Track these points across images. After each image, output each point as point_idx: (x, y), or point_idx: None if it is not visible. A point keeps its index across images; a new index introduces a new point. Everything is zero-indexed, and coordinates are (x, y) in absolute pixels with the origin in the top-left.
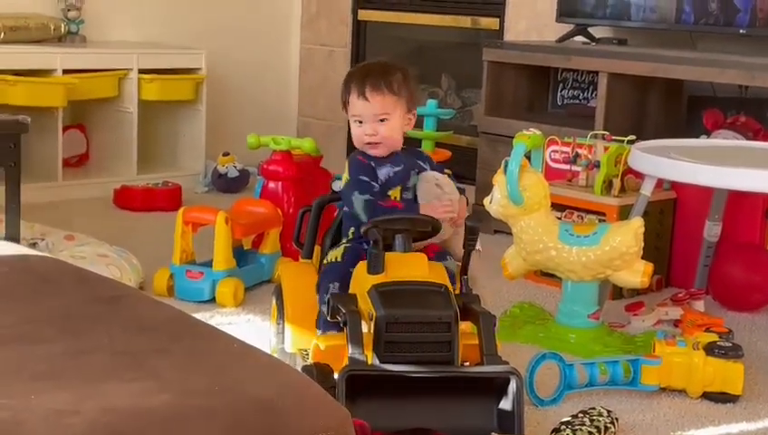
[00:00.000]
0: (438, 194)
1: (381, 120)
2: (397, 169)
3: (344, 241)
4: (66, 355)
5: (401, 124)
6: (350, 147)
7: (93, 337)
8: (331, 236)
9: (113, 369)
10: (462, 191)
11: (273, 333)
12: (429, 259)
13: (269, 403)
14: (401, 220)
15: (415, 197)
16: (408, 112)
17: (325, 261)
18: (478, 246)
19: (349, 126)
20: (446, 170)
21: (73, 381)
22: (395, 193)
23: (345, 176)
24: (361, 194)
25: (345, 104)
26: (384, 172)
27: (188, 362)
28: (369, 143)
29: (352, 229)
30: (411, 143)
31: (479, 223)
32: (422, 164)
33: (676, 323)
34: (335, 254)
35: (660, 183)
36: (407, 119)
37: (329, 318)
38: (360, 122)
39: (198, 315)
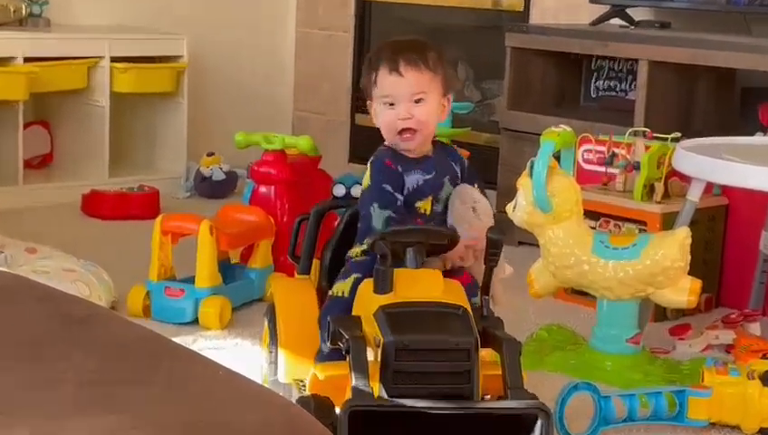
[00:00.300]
0: (470, 220)
1: (417, 102)
2: (427, 176)
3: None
4: (24, 387)
5: (437, 109)
6: (354, 146)
7: (57, 365)
8: (331, 249)
9: (79, 402)
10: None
11: (264, 360)
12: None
13: None
14: (413, 232)
15: (445, 208)
16: (444, 96)
17: (330, 292)
18: (507, 269)
19: (353, 120)
20: (475, 185)
21: (32, 418)
22: (424, 205)
23: (366, 180)
24: (382, 208)
25: (369, 88)
26: (413, 180)
27: (166, 393)
28: (403, 131)
29: (368, 240)
30: None
31: (503, 235)
32: (456, 169)
33: (729, 348)
34: (342, 287)
35: (710, 187)
36: (441, 105)
37: (329, 344)
38: (392, 105)
39: (178, 339)
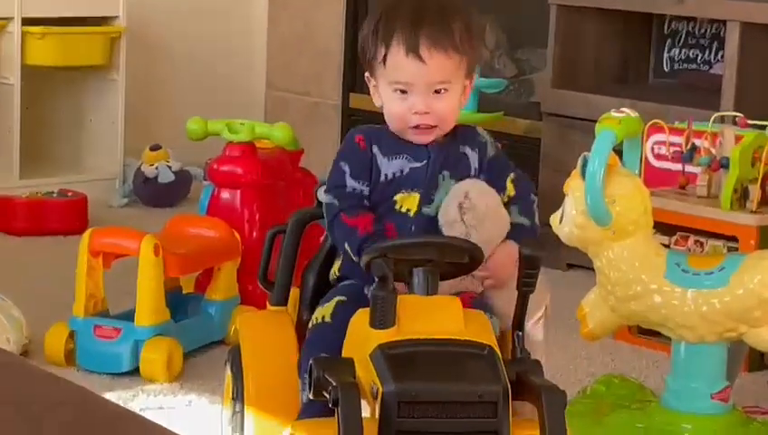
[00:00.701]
0: (453, 220)
1: (437, 92)
2: (416, 164)
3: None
4: None
5: (461, 97)
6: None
7: None
8: (315, 272)
9: None
10: (524, 229)
11: (226, 422)
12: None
13: None
14: (422, 245)
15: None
16: (468, 78)
17: (311, 323)
18: (545, 303)
19: (345, 101)
20: (510, 180)
21: None
22: (407, 201)
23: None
24: (327, 191)
25: (373, 61)
26: (395, 166)
27: None
28: (418, 126)
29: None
30: None
31: (542, 252)
32: (468, 161)
33: None
34: (322, 312)
35: None
36: (463, 86)
37: (310, 395)
38: (404, 92)
39: (112, 396)
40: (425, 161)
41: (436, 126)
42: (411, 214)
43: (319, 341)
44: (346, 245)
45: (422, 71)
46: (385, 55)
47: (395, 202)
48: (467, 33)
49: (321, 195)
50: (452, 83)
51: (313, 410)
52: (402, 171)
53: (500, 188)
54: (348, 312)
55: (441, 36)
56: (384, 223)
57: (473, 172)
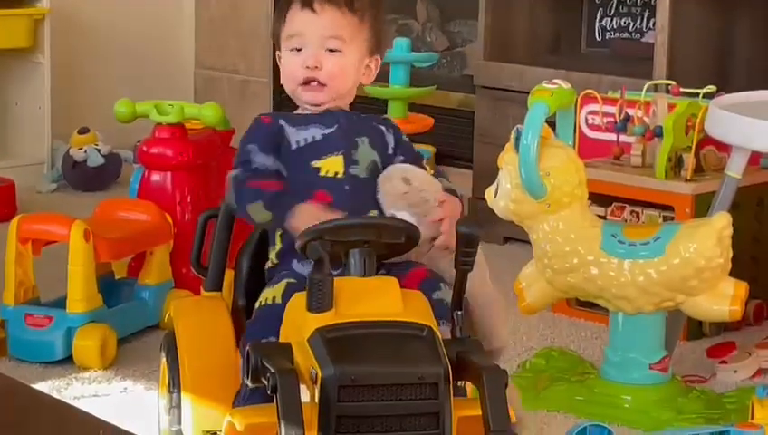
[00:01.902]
0: (401, 192)
1: (331, 51)
2: (327, 130)
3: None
4: None
5: (358, 67)
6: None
7: None
8: (249, 255)
9: None
10: (455, 193)
11: (163, 408)
12: (413, 288)
13: None
14: (359, 227)
15: (371, 175)
16: (370, 55)
17: (258, 304)
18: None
19: (277, 79)
20: (424, 161)
21: None
22: (329, 165)
23: None
24: (234, 168)
25: (277, 31)
26: (306, 134)
27: None
28: (307, 81)
29: (280, 230)
30: (372, 107)
31: (479, 228)
32: (382, 130)
33: None
34: (272, 293)
35: (756, 158)
36: (365, 64)
37: (249, 382)
38: (299, 50)
39: (45, 385)
40: (335, 126)
41: (325, 85)
42: (340, 175)
43: (268, 321)
44: (255, 203)
45: (314, 21)
46: (285, 16)
47: (318, 169)
48: (371, 7)
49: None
50: (346, 44)
51: (252, 397)
52: (314, 138)
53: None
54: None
55: None
56: (313, 193)
57: (390, 151)
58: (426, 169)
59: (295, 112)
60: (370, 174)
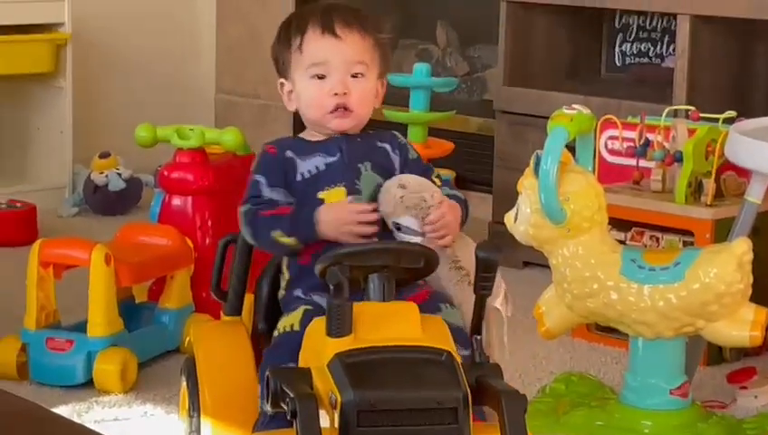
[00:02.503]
0: (398, 197)
1: (354, 76)
2: (330, 159)
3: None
4: None
5: (375, 91)
6: None
7: None
8: (269, 280)
9: None
10: (459, 199)
11: (183, 432)
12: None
13: None
14: (377, 251)
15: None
16: (380, 78)
17: (275, 332)
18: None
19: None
20: (435, 176)
21: None
22: (334, 196)
23: None
24: (244, 203)
25: (287, 60)
26: (310, 165)
27: None
28: (337, 109)
29: (286, 260)
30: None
31: (498, 253)
32: (387, 150)
33: None
34: (290, 320)
35: None
36: (376, 89)
37: (269, 407)
38: (322, 78)
39: (66, 409)
40: (337, 154)
41: (353, 111)
42: None
43: (286, 348)
44: (273, 232)
45: (339, 47)
46: (301, 43)
47: (323, 201)
48: (375, 25)
49: (240, 212)
50: (368, 68)
51: (271, 421)
52: (318, 168)
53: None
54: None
55: (352, 19)
56: None
57: (396, 172)
58: (436, 183)
59: (300, 136)
60: (375, 199)
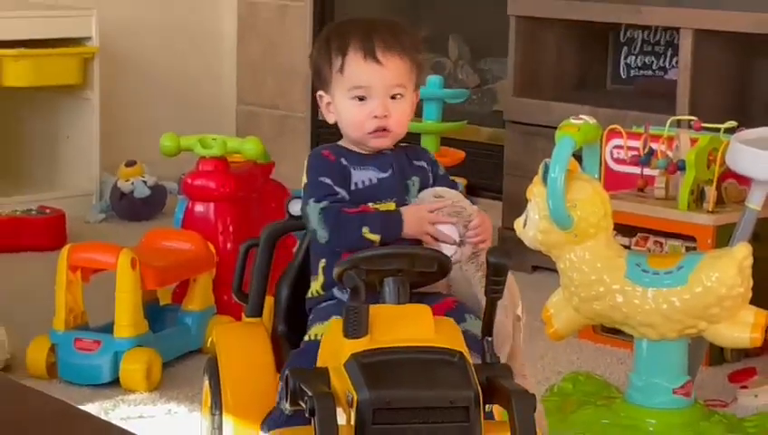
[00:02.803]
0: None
1: (393, 97)
2: (383, 175)
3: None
4: None
5: (411, 109)
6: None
7: None
8: (289, 283)
9: None
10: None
11: (206, 430)
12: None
13: None
14: (392, 256)
15: None
16: (415, 90)
17: (306, 337)
18: (519, 311)
19: (314, 114)
20: (458, 184)
21: None
22: (385, 209)
23: (304, 180)
24: (318, 201)
25: (327, 75)
26: (363, 176)
27: None
28: (376, 131)
29: (323, 262)
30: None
31: (508, 258)
32: (427, 169)
33: None
34: (321, 329)
35: None
36: (412, 101)
37: (287, 406)
38: (362, 99)
39: (93, 407)
40: (390, 171)
41: (392, 131)
42: None
43: (313, 355)
44: (363, 228)
45: (380, 73)
46: (342, 64)
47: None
48: (416, 47)
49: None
50: (406, 89)
51: (290, 419)
52: (371, 181)
53: None
54: None
55: (393, 42)
56: None
57: (431, 183)
58: None
59: (345, 146)
60: None
